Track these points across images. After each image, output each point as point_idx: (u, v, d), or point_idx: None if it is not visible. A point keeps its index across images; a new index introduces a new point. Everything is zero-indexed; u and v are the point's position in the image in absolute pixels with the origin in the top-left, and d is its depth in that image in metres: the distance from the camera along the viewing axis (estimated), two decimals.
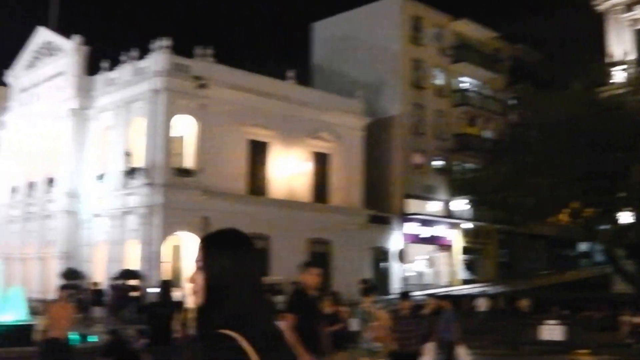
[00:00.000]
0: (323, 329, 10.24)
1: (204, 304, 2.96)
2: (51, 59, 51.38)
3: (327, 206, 48.73)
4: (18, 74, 55.20)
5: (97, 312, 36.68)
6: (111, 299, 37.40)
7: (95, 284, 41.56)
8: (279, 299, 34.88)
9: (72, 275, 42.99)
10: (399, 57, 55.92)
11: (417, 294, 35.35)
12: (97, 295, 38.06)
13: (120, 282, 38.87)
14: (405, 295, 15.74)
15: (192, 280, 3.00)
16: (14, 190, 52.99)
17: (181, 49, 43.65)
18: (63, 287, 22.32)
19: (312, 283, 10.10)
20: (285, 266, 43.07)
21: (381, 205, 52.27)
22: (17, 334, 20.76)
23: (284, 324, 9.85)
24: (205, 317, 2.94)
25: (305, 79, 54.24)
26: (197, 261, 3.01)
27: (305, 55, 62.90)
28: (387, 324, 14.06)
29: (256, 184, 45.67)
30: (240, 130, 44.51)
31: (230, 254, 2.98)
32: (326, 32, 61.28)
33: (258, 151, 45.69)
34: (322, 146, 49.15)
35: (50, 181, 48.77)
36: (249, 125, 44.88)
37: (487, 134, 60.39)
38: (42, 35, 52.67)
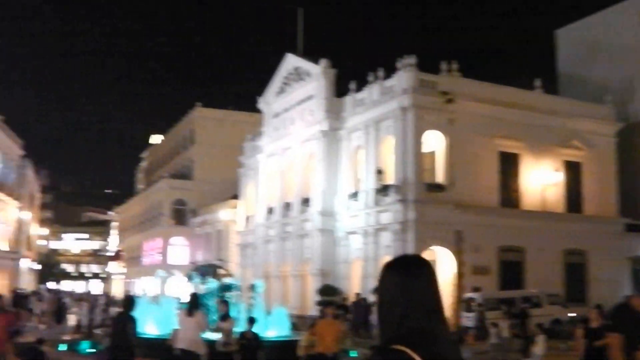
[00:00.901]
0: None
1: (378, 320, 3.31)
2: (300, 84, 53.78)
3: (581, 216, 47.26)
4: (269, 100, 58.20)
5: None
6: (354, 314, 38.11)
7: (344, 299, 42.61)
8: (534, 312, 34.45)
9: (328, 292, 44.41)
10: None
11: None
12: (342, 310, 39.06)
13: (361, 298, 39.55)
14: None
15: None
16: (270, 211, 55.76)
17: (426, 65, 44.26)
18: (326, 304, 23.20)
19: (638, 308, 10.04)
20: (540, 278, 42.48)
21: (638, 213, 49.92)
22: (282, 349, 21.84)
23: (611, 345, 9.77)
24: (381, 332, 3.27)
25: (551, 87, 52.99)
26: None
27: (550, 63, 61.62)
28: None
29: (508, 196, 45.13)
30: (490, 142, 44.21)
31: (397, 276, 3.28)
32: (571, 38, 59.63)
33: (508, 163, 45.15)
34: (573, 155, 47.81)
35: (305, 201, 50.80)
36: (498, 137, 44.52)
37: None
38: (291, 61, 55.25)
